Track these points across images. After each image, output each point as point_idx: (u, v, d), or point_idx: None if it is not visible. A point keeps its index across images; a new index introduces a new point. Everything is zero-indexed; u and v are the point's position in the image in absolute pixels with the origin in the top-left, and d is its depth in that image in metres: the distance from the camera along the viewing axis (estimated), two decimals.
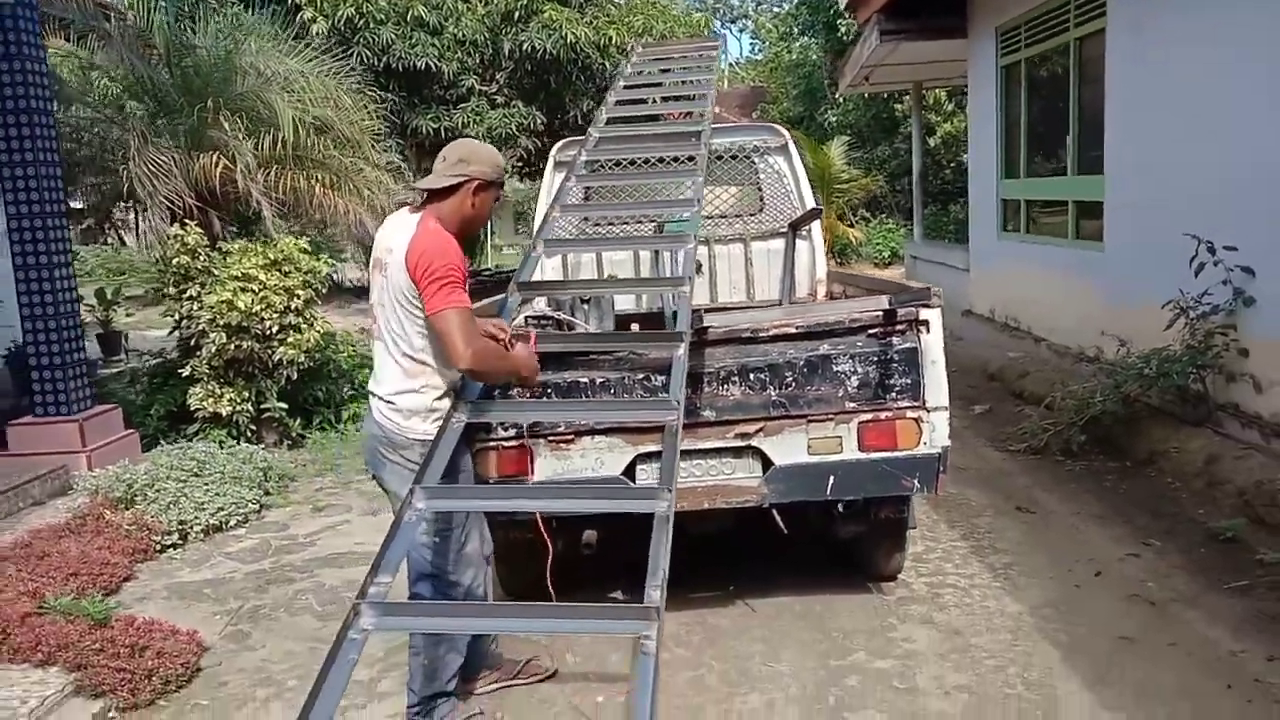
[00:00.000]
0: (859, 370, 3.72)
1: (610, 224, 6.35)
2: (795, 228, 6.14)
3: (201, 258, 7.19)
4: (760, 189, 6.28)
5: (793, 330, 3.75)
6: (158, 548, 5.46)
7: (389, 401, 3.34)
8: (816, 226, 6.21)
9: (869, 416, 3.74)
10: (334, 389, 8.39)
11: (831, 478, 3.77)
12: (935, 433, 3.77)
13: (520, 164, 21.67)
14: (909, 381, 3.72)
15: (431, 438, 3.21)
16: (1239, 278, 5.68)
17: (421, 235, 3.19)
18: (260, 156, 7.54)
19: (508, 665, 3.83)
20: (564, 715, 3.59)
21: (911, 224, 22.16)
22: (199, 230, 7.12)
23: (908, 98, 20.25)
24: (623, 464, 3.80)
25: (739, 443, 3.79)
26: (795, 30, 28.85)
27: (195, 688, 3.94)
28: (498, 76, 14.91)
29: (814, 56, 26.47)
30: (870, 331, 3.73)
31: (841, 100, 23.81)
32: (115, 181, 7.02)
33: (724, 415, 3.76)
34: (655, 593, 2.44)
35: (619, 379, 3.74)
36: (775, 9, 39.48)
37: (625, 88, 7.19)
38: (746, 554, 4.85)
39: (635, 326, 5.71)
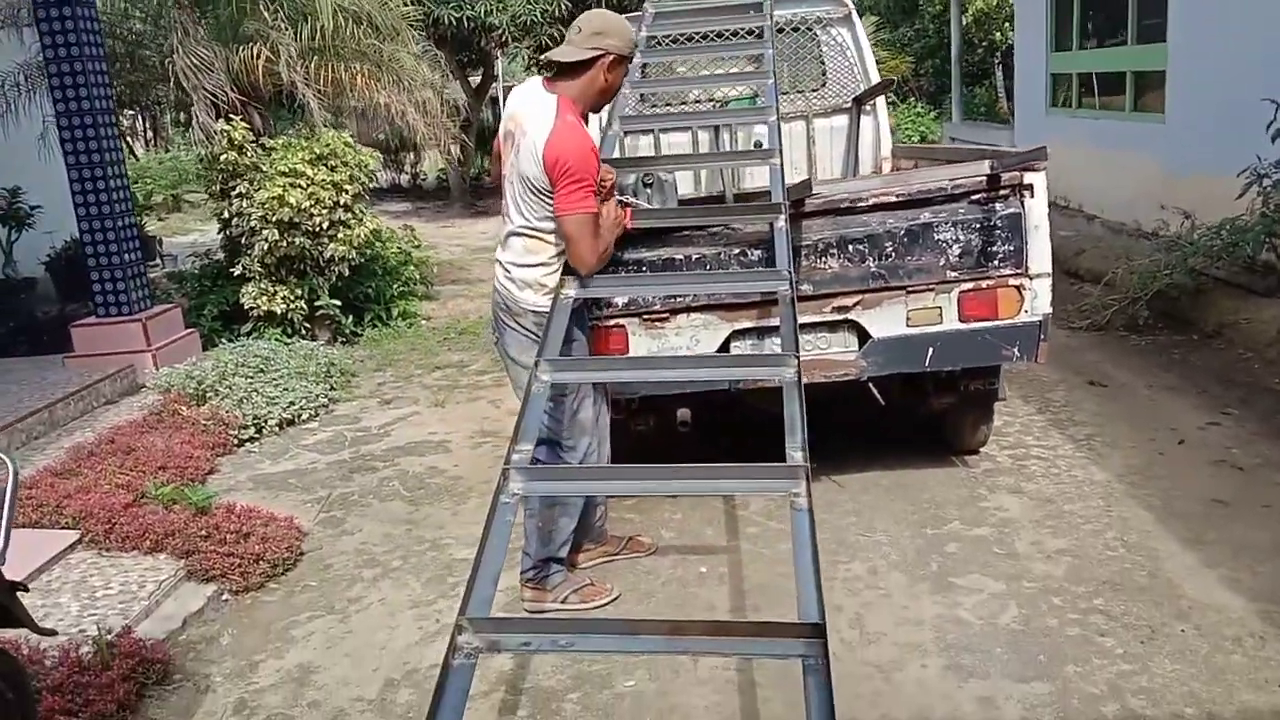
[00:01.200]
0: (960, 238, 3.66)
1: (668, 104, 6.20)
2: (860, 102, 5.99)
3: (249, 154, 7.09)
4: (823, 63, 6.10)
5: (893, 199, 3.68)
6: (236, 441, 5.51)
7: (508, 271, 3.38)
8: (881, 101, 6.05)
9: (970, 285, 3.69)
10: (383, 285, 8.38)
11: (930, 349, 3.75)
12: (1037, 300, 3.72)
13: (535, 55, 21.20)
14: (1012, 248, 3.66)
15: (544, 310, 3.23)
16: None
17: (561, 131, 3.15)
18: (300, 46, 7.36)
19: (612, 540, 3.89)
20: (669, 585, 3.65)
21: (937, 107, 21.74)
22: (245, 125, 7.01)
23: None
24: (718, 341, 3.78)
25: (836, 316, 3.76)
26: None
27: (301, 571, 4.02)
28: None
29: None
30: (973, 198, 3.66)
31: None
32: (155, 77, 6.86)
33: (821, 289, 3.71)
34: (798, 453, 2.45)
35: (714, 255, 3.69)
36: None
37: None
38: (827, 430, 4.86)
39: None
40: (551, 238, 3.29)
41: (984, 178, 3.63)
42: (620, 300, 3.73)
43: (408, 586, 3.82)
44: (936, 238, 3.66)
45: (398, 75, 7.74)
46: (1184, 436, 4.67)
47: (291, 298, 7.42)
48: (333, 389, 6.48)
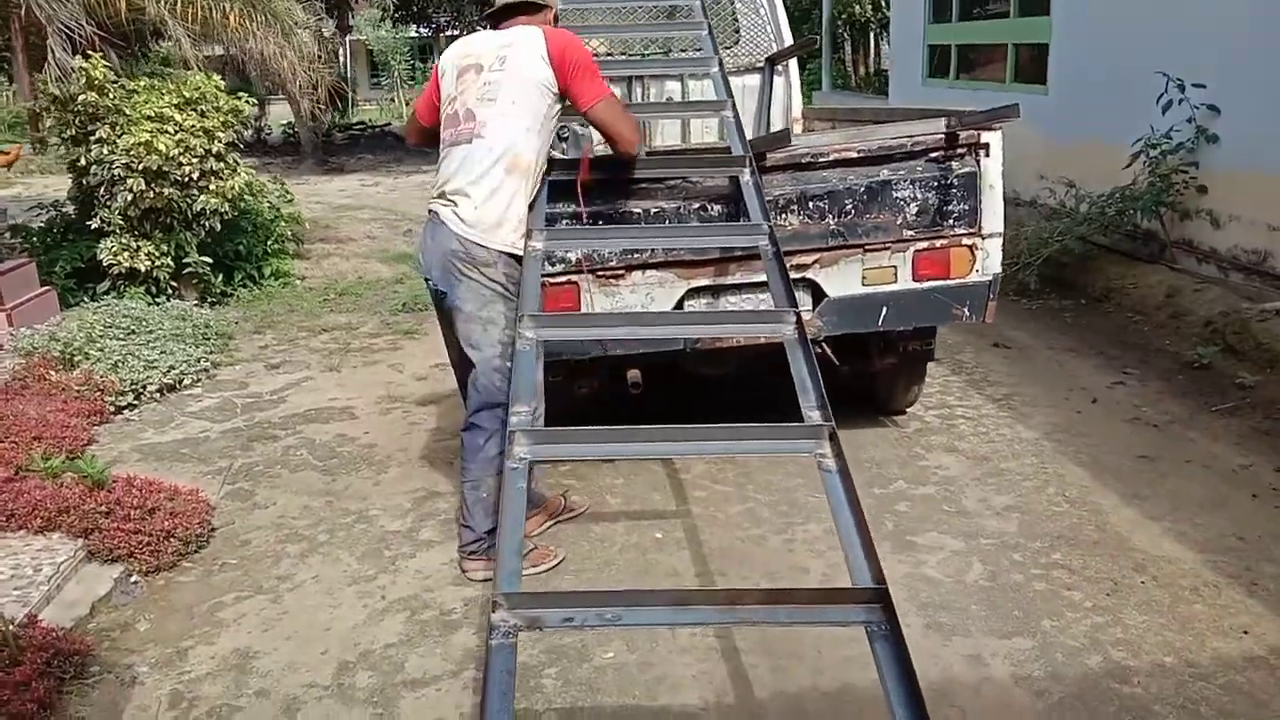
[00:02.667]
0: (917, 196, 3.63)
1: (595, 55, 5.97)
2: (773, 62, 5.93)
3: (110, 94, 6.45)
4: (737, 20, 5.99)
5: (853, 155, 3.60)
6: (113, 409, 5.03)
7: (479, 207, 3.16)
8: (794, 63, 6.00)
9: (925, 245, 3.67)
10: (254, 243, 7.84)
11: (884, 309, 3.71)
12: (989, 260, 3.74)
13: (397, 7, 20.40)
14: (966, 207, 3.66)
15: (518, 252, 3.04)
16: (1204, 115, 5.81)
17: (556, 33, 3.30)
18: None
19: (551, 503, 3.72)
20: (626, 551, 3.52)
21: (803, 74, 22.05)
22: (106, 64, 6.37)
23: None
24: (673, 299, 3.63)
25: (793, 274, 3.66)
26: None
27: (216, 547, 3.68)
28: None
29: None
30: (931, 155, 3.63)
31: None
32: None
33: (782, 246, 3.62)
34: (815, 412, 2.35)
35: (673, 209, 3.54)
36: None
37: None
38: (757, 389, 4.81)
39: None
40: (536, 157, 3.21)
41: (943, 135, 3.60)
42: (572, 256, 3.54)
43: (341, 562, 3.54)
44: (894, 195, 3.61)
45: (270, 15, 7.19)
46: (1095, 396, 4.84)
47: (156, 254, 6.84)
48: (212, 352, 6.01)
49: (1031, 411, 4.68)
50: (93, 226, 6.81)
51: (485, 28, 3.60)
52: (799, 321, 2.61)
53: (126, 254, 6.76)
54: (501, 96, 3.21)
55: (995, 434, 4.43)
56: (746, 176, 3.34)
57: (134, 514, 3.59)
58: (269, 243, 7.97)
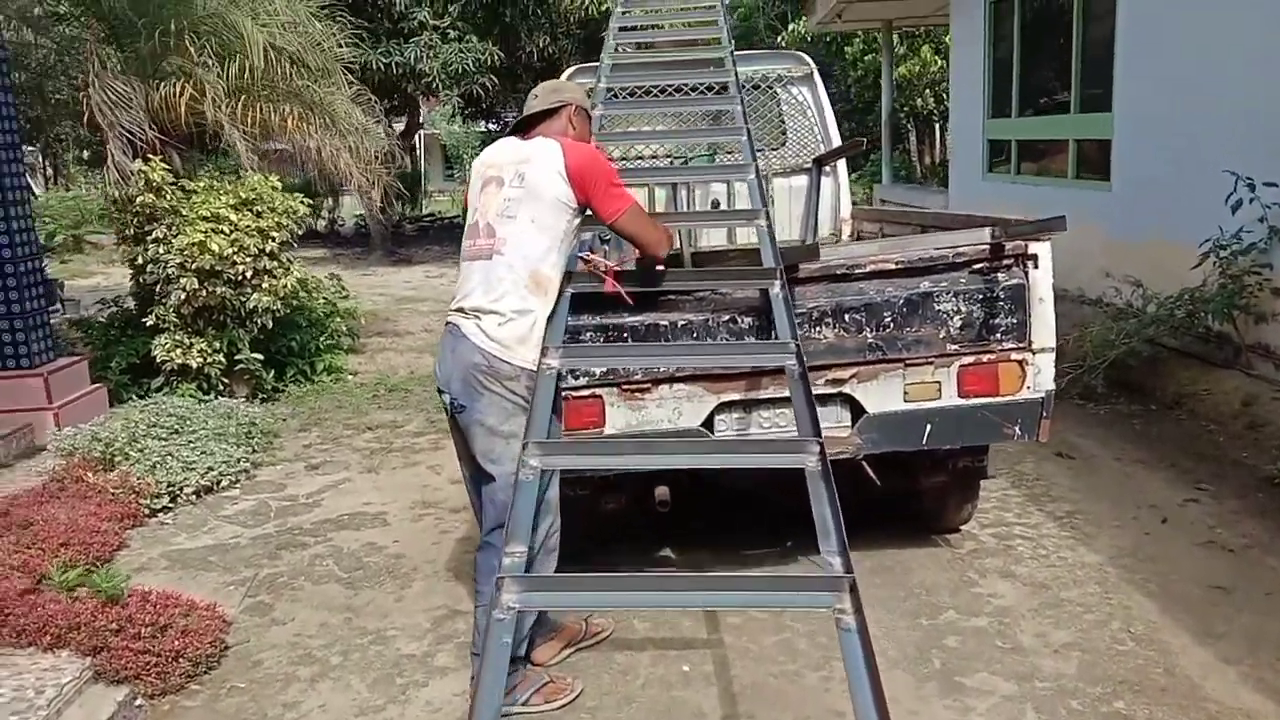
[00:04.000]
0: (961, 309, 3.44)
1: (624, 159, 5.96)
2: (820, 163, 5.83)
3: (168, 196, 6.59)
4: (783, 121, 5.93)
5: (891, 266, 3.44)
6: (148, 511, 5.00)
7: (503, 324, 3.07)
8: (842, 164, 5.90)
9: (970, 359, 3.47)
10: (308, 338, 7.89)
11: (928, 426, 3.50)
12: (1040, 376, 3.52)
13: (465, 104, 20.95)
14: (1014, 321, 3.46)
15: (537, 369, 2.92)
16: (1276, 214, 5.53)
17: (573, 147, 3.23)
18: (226, 85, 6.92)
19: (569, 629, 3.52)
20: (650, 687, 3.29)
21: (855, 170, 21.98)
22: (164, 167, 6.52)
23: (857, 39, 20.04)
24: (702, 414, 3.47)
25: (829, 389, 3.49)
26: None
27: (227, 668, 3.55)
28: (450, 9, 14.18)
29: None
30: (975, 267, 3.45)
31: (783, 44, 23.33)
32: (62, 112, 6.32)
33: (814, 360, 3.44)
34: (835, 559, 2.15)
35: (701, 321, 3.40)
36: None
37: (623, 13, 6.78)
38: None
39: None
40: (556, 273, 3.15)
41: (987, 246, 3.42)
42: (596, 368, 3.41)
43: (351, 689, 3.38)
44: (936, 308, 3.43)
45: (329, 118, 7.34)
46: (1165, 514, 4.52)
47: (209, 350, 6.89)
48: (254, 451, 5.98)
49: (1096, 532, 4.37)
50: (148, 323, 6.91)
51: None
52: (823, 453, 2.42)
53: (179, 350, 6.83)
54: (521, 214, 3.13)
55: (1056, 557, 4.14)
56: (776, 289, 3.19)
57: (145, 631, 3.48)
58: (322, 338, 8.02)
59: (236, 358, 7.08)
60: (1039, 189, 8.72)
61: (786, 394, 3.46)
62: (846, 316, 3.43)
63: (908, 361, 3.46)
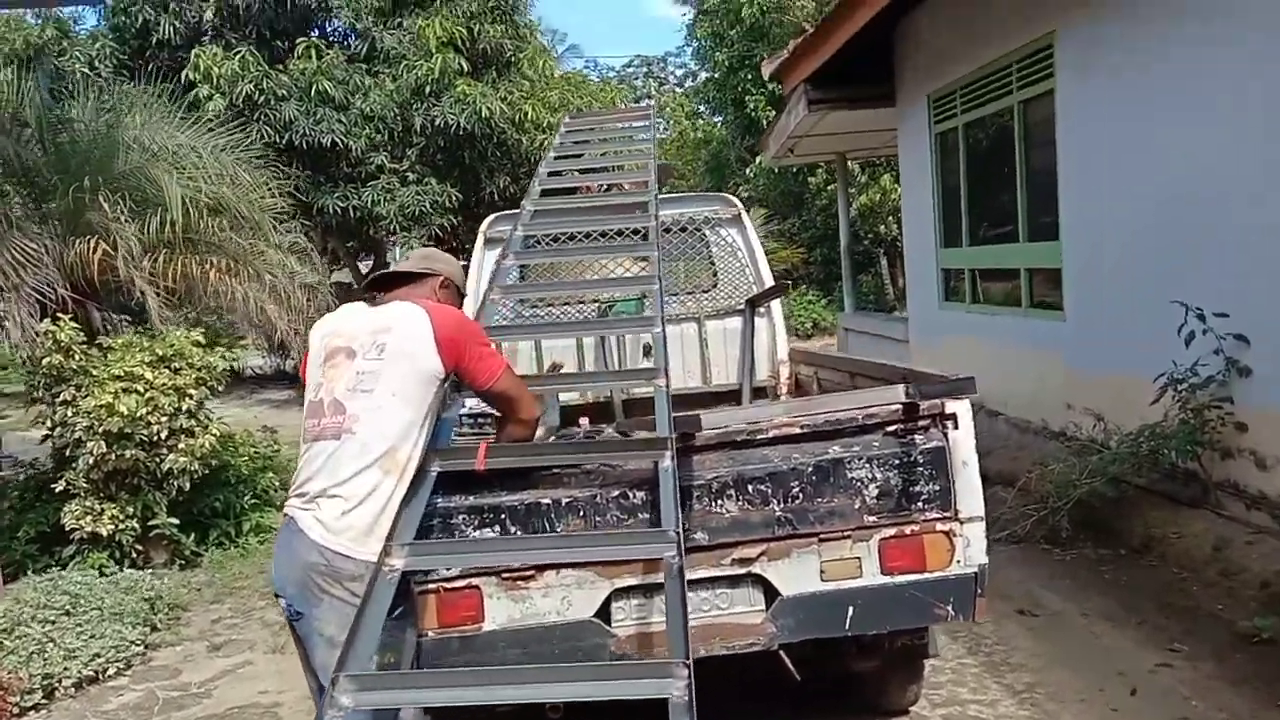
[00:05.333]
0: (877, 476, 3.09)
1: (549, 305, 5.71)
2: (754, 304, 5.60)
3: (77, 356, 6.28)
4: (713, 263, 5.72)
5: (797, 430, 3.11)
6: (15, 711, 4.49)
7: (347, 512, 2.72)
8: (776, 305, 5.67)
9: (892, 532, 3.10)
10: (233, 497, 7.46)
11: (850, 608, 3.11)
12: (970, 548, 3.15)
13: (431, 243, 21.01)
14: (937, 488, 3.11)
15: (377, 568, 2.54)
16: (1231, 346, 5.27)
17: (440, 310, 2.99)
18: (147, 240, 6.70)
19: None
20: None
21: (827, 295, 22.08)
22: (74, 326, 6.23)
23: (820, 170, 20.34)
24: (595, 603, 3.08)
25: (736, 570, 3.11)
26: (702, 108, 28.96)
27: None
28: (409, 153, 14.25)
29: (720, 133, 26.51)
30: (889, 429, 3.12)
31: (751, 175, 23.75)
32: None
33: (718, 537, 3.08)
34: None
35: (589, 497, 3.04)
36: (679, 89, 39.99)
37: (556, 158, 6.64)
38: (733, 690, 4.13)
39: (585, 421, 5.06)
40: (418, 453, 2.84)
41: (900, 406, 3.10)
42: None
43: None
44: (849, 475, 3.08)
45: (255, 269, 7.10)
46: (1135, 683, 4.08)
47: (120, 517, 6.46)
48: (155, 629, 5.52)
49: (1058, 710, 3.93)
50: (58, 489, 6.50)
51: (364, 299, 3.28)
52: (689, 682, 2.03)
53: (90, 518, 6.40)
54: (380, 388, 2.81)
55: None
56: (666, 462, 2.84)
57: None
58: (249, 497, 7.59)
59: (151, 523, 6.65)
60: (996, 318, 8.52)
61: (692, 576, 3.09)
62: (750, 487, 3.07)
63: (822, 536, 3.09)
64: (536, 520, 3.01)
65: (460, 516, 3.00)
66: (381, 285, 3.27)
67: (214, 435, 6.74)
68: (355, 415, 2.79)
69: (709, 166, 26.88)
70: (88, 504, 6.43)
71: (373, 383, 2.82)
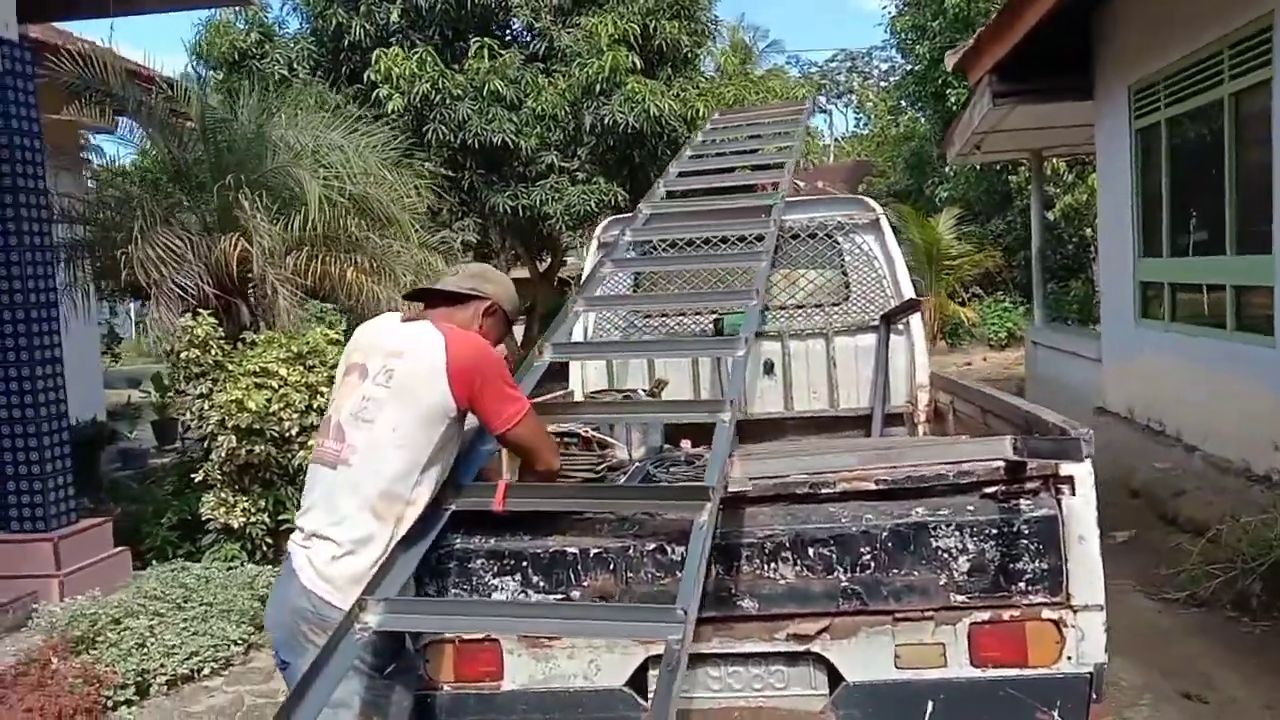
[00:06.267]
0: (969, 547, 2.55)
1: (664, 316, 5.35)
2: (888, 320, 5.03)
3: (213, 351, 6.40)
4: (846, 273, 5.19)
5: (871, 486, 2.61)
6: (109, 705, 4.53)
7: (338, 558, 2.47)
8: (916, 320, 5.08)
9: (986, 616, 2.56)
10: None
11: (931, 703, 2.58)
12: (1085, 642, 2.56)
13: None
14: (1045, 566, 2.54)
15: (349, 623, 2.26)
16: None
17: (458, 337, 2.65)
18: (289, 238, 6.77)
19: None
20: None
21: (1028, 300, 20.62)
22: (212, 321, 6.35)
23: (1023, 168, 18.98)
24: (628, 670, 2.69)
25: (793, 646, 2.64)
26: (903, 103, 27.82)
27: None
28: (579, 152, 14.16)
29: (922, 128, 25.35)
30: (987, 491, 2.57)
31: (952, 172, 22.56)
32: (114, 268, 6.28)
33: (771, 607, 2.62)
34: None
35: (620, 549, 2.65)
36: (882, 83, 38.69)
37: (691, 157, 6.27)
38: None
39: (687, 444, 4.66)
40: (420, 495, 2.54)
41: (1003, 464, 2.55)
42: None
43: None
44: (935, 545, 2.56)
45: (393, 268, 7.07)
46: None
47: (252, 510, 6.55)
48: (261, 629, 5.49)
49: None
50: (195, 480, 6.67)
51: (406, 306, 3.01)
52: None
53: (223, 509, 6.53)
54: (381, 420, 2.53)
55: None
56: (703, 517, 2.41)
57: None
58: None
59: (282, 518, 6.72)
60: (1195, 340, 7.50)
61: (736, 649, 2.66)
62: (811, 550, 2.60)
63: (898, 615, 2.58)
64: (560, 571, 2.65)
65: (479, 560, 2.68)
66: (426, 298, 2.99)
67: None
68: (353, 446, 2.52)
69: (909, 164, 25.78)
70: (222, 495, 6.55)
71: (375, 412, 2.54)
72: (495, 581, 2.66)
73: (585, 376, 5.28)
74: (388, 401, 2.55)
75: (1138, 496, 7.39)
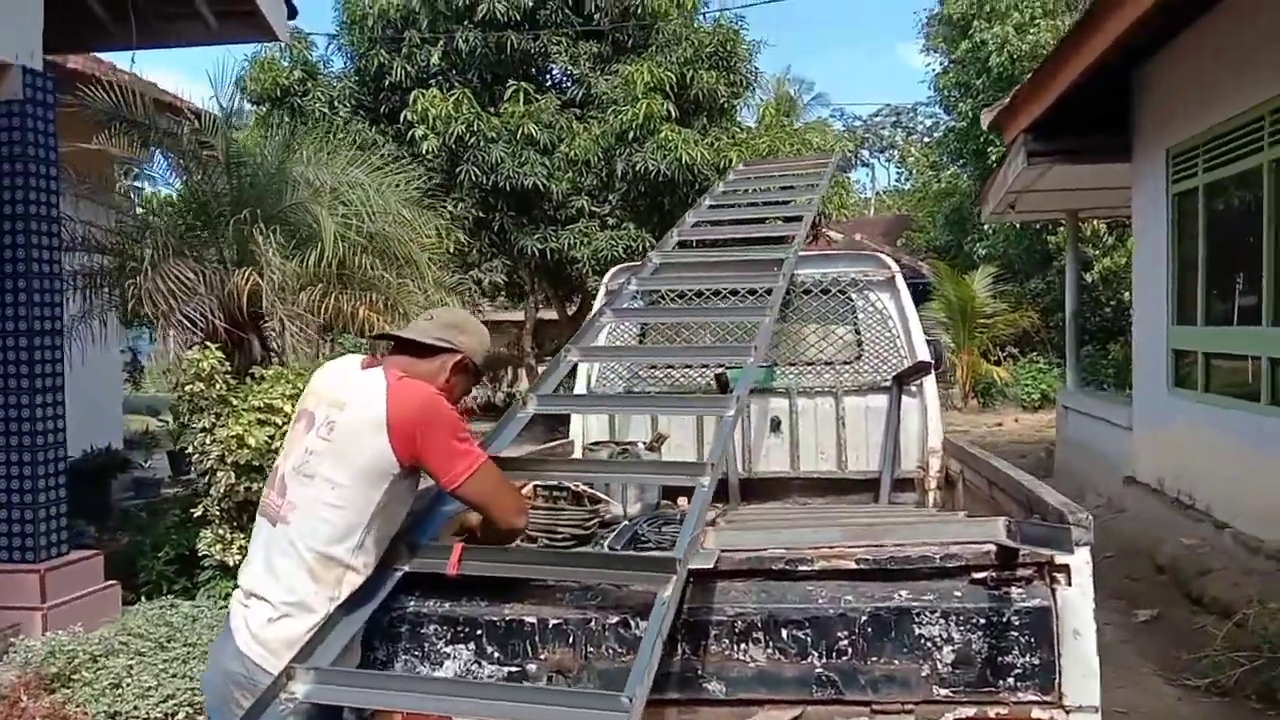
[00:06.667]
0: (954, 636, 2.36)
1: (669, 368, 5.22)
2: (901, 381, 4.86)
3: (218, 385, 6.33)
4: (859, 331, 5.04)
5: (852, 565, 2.43)
6: None
7: (273, 621, 2.33)
8: (930, 382, 4.90)
9: (970, 712, 2.36)
10: None
11: None
12: None
13: None
14: (1036, 661, 2.33)
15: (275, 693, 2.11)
16: None
17: (401, 388, 2.45)
18: (305, 274, 6.73)
19: None
20: None
21: (1062, 364, 20.25)
22: (219, 355, 6.29)
23: (1063, 228, 18.72)
24: None
25: None
26: (944, 159, 27.72)
27: None
28: (610, 197, 14.16)
29: (963, 185, 25.21)
30: (975, 576, 2.38)
31: (991, 230, 22.34)
32: (120, 297, 6.25)
33: (739, 691, 2.44)
34: None
35: (581, 620, 2.48)
36: (925, 139, 38.66)
37: (711, 206, 6.17)
38: None
39: (684, 501, 4.49)
40: (362, 560, 2.38)
41: (994, 548, 2.36)
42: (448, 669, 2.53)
43: None
44: (918, 632, 2.37)
45: (404, 308, 7.00)
46: None
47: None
48: None
49: None
50: (195, 515, 6.58)
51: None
52: None
53: (219, 546, 6.43)
54: (320, 477, 2.39)
55: None
56: (666, 592, 2.25)
57: None
58: None
59: None
60: (1228, 413, 7.22)
61: None
62: (785, 632, 2.42)
63: (875, 707, 2.38)
64: (517, 642, 2.49)
65: (432, 626, 2.53)
66: (394, 341, 2.82)
67: None
68: (292, 503, 2.39)
69: (949, 220, 25.63)
70: (220, 532, 6.45)
71: (315, 466, 2.40)
72: (448, 650, 2.50)
73: (586, 426, 5.16)
74: (327, 456, 2.41)
75: (1163, 572, 7.08)
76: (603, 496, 4.20)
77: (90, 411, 5.91)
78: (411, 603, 2.53)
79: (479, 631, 2.50)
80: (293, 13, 6.41)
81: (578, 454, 4.92)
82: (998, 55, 20.39)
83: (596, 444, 4.88)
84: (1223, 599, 5.98)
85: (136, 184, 9.82)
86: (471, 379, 2.76)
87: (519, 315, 20.11)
